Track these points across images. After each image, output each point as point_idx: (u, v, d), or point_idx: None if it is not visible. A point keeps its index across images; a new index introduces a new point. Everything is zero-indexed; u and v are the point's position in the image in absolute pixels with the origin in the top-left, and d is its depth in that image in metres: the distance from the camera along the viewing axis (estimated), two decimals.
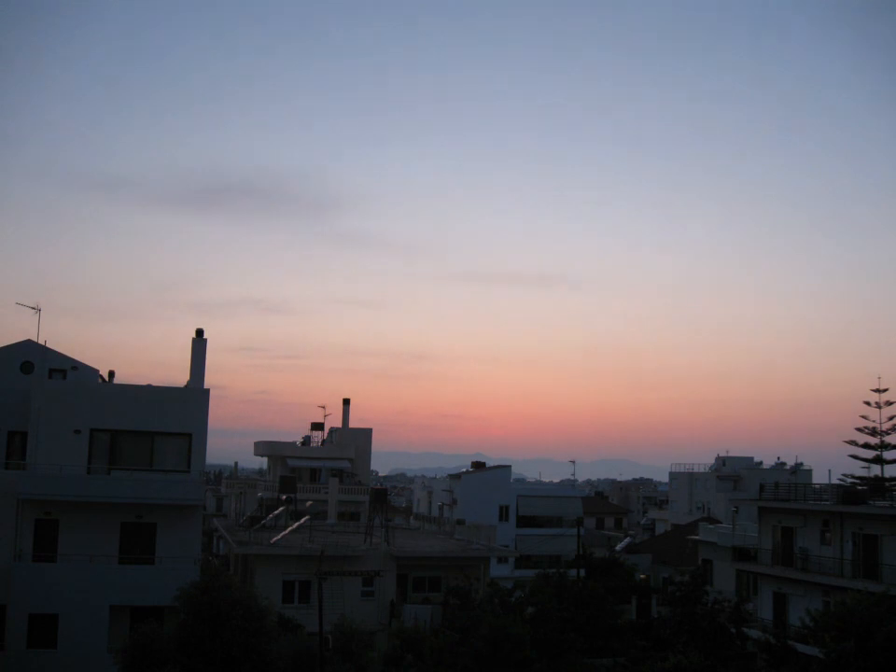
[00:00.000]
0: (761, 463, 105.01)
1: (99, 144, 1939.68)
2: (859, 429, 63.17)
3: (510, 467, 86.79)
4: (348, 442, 74.88)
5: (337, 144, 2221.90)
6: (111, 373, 43.71)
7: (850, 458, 64.19)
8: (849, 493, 48.24)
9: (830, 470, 67.55)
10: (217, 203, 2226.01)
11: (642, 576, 67.89)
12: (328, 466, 72.72)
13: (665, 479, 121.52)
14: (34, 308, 39.77)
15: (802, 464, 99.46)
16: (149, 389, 39.19)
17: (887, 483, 58.59)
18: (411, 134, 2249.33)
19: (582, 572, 56.58)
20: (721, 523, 74.35)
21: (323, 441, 76.77)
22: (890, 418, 61.93)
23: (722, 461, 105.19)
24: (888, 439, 62.48)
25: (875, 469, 63.68)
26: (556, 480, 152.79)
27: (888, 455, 62.91)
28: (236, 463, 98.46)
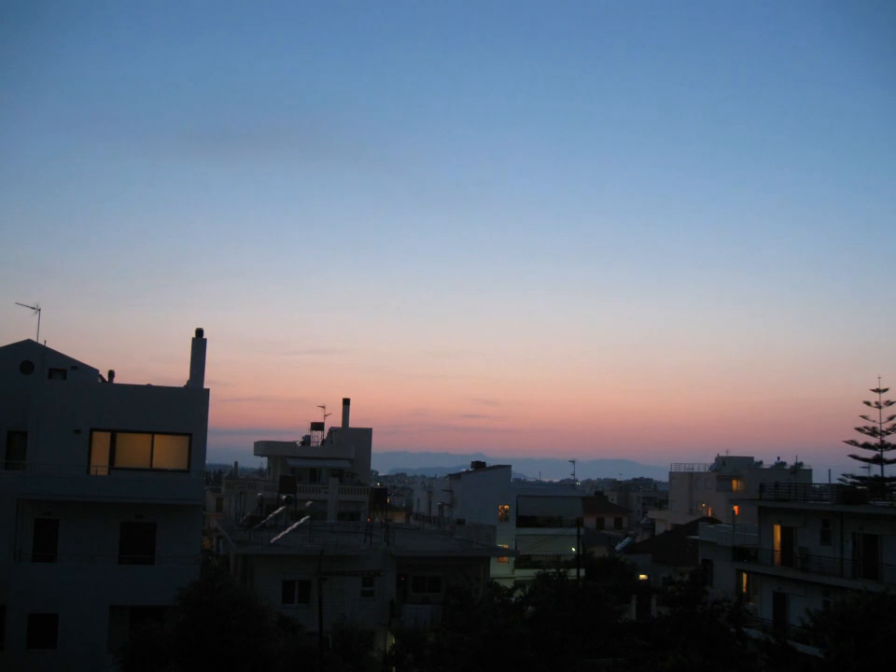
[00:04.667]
0: (761, 463, 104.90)
1: (96, 83, 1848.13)
2: (859, 429, 63.03)
3: (510, 467, 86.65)
4: (348, 442, 74.91)
5: (358, 109, 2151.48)
6: (111, 373, 43.69)
7: (850, 458, 64.08)
8: (849, 493, 48.19)
9: (830, 470, 67.35)
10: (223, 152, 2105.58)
11: (642, 576, 67.88)
12: (328, 466, 72.79)
13: (665, 479, 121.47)
14: (33, 308, 39.80)
15: (802, 464, 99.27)
16: (149, 389, 39.21)
17: (887, 483, 58.60)
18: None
19: (582, 572, 56.52)
20: (721, 523, 74.32)
21: (323, 441, 76.83)
22: (890, 418, 61.79)
23: (722, 461, 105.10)
24: (888, 439, 62.34)
25: (875, 469, 63.59)
26: (556, 480, 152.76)
27: (888, 454, 62.85)
28: (236, 463, 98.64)
